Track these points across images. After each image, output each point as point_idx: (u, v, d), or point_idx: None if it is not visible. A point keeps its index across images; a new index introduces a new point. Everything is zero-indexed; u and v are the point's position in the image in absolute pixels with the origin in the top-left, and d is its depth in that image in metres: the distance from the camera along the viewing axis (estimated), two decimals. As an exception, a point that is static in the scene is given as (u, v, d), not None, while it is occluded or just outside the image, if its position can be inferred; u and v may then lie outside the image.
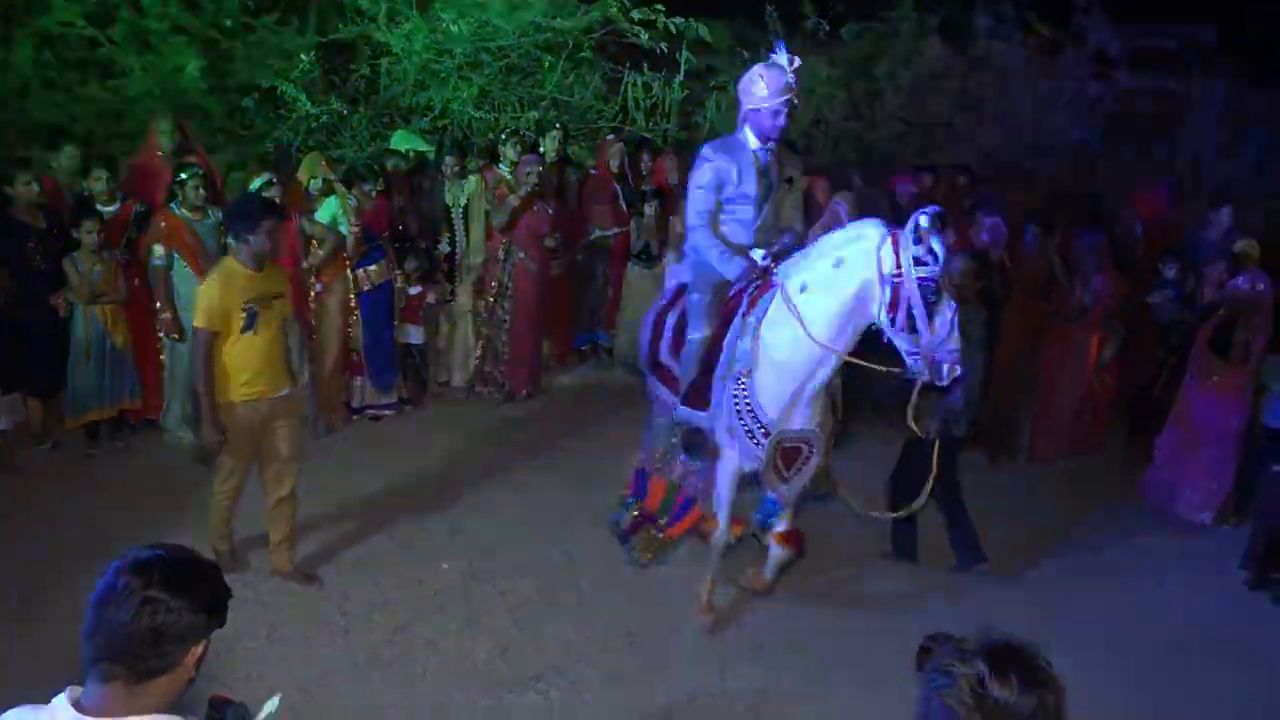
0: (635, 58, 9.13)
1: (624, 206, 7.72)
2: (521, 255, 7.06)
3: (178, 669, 1.76)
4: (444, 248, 7.26)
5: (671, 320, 4.83)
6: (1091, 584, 5.40)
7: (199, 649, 1.78)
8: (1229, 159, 9.64)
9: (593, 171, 7.83)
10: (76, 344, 5.94)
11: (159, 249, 5.96)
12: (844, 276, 4.10)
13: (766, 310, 4.30)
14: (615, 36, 8.81)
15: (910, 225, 3.95)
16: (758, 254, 4.48)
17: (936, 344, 4.01)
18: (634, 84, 9.20)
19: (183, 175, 5.99)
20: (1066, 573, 5.49)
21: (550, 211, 7.12)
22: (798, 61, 4.22)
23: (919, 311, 3.96)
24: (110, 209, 6.11)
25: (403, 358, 7.16)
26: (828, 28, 9.74)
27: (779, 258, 4.44)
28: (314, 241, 6.33)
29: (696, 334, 4.56)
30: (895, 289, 3.97)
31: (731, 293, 4.53)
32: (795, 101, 4.24)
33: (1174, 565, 5.71)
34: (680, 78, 9.26)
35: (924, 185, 7.81)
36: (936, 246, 3.95)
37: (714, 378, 4.48)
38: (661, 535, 5.03)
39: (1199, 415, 6.07)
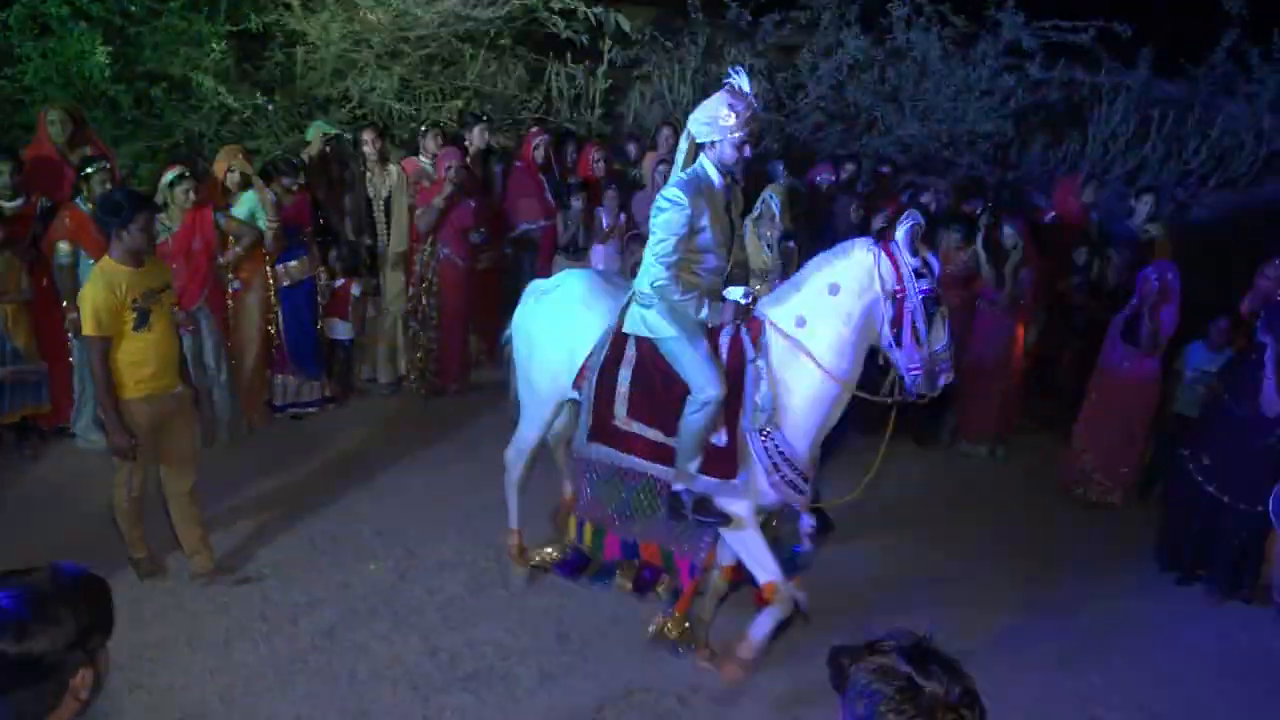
0: (559, 48, 9.06)
1: (550, 199, 7.66)
2: (446, 251, 6.96)
3: (62, 704, 1.69)
4: (367, 241, 7.13)
5: (625, 375, 4.18)
6: (1009, 564, 5.54)
7: (81, 678, 1.69)
8: (1139, 148, 9.96)
9: (517, 164, 7.75)
10: (-25, 346, 5.68)
11: (64, 246, 5.74)
12: (845, 301, 3.91)
13: (769, 349, 3.99)
14: (538, 26, 8.73)
15: (904, 237, 3.83)
16: (736, 293, 4.05)
17: (938, 354, 3.91)
18: (557, 74, 9.13)
19: (88, 170, 5.76)
20: (985, 556, 5.63)
21: (474, 205, 7.02)
22: (753, 85, 3.92)
23: (921, 324, 3.86)
24: (13, 205, 5.85)
25: (328, 354, 7.03)
26: (749, 18, 9.77)
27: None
28: (231, 237, 6.15)
29: (711, 392, 3.91)
30: (899, 305, 3.85)
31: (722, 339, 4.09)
32: (757, 130, 3.94)
33: (1087, 545, 5.91)
34: (604, 67, 9.23)
35: (844, 175, 7.93)
36: (927, 256, 3.89)
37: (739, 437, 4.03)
38: (679, 613, 4.59)
39: (1110, 401, 6.27)
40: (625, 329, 4.15)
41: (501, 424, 6.86)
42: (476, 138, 7.53)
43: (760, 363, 3.97)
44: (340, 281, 6.94)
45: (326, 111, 8.18)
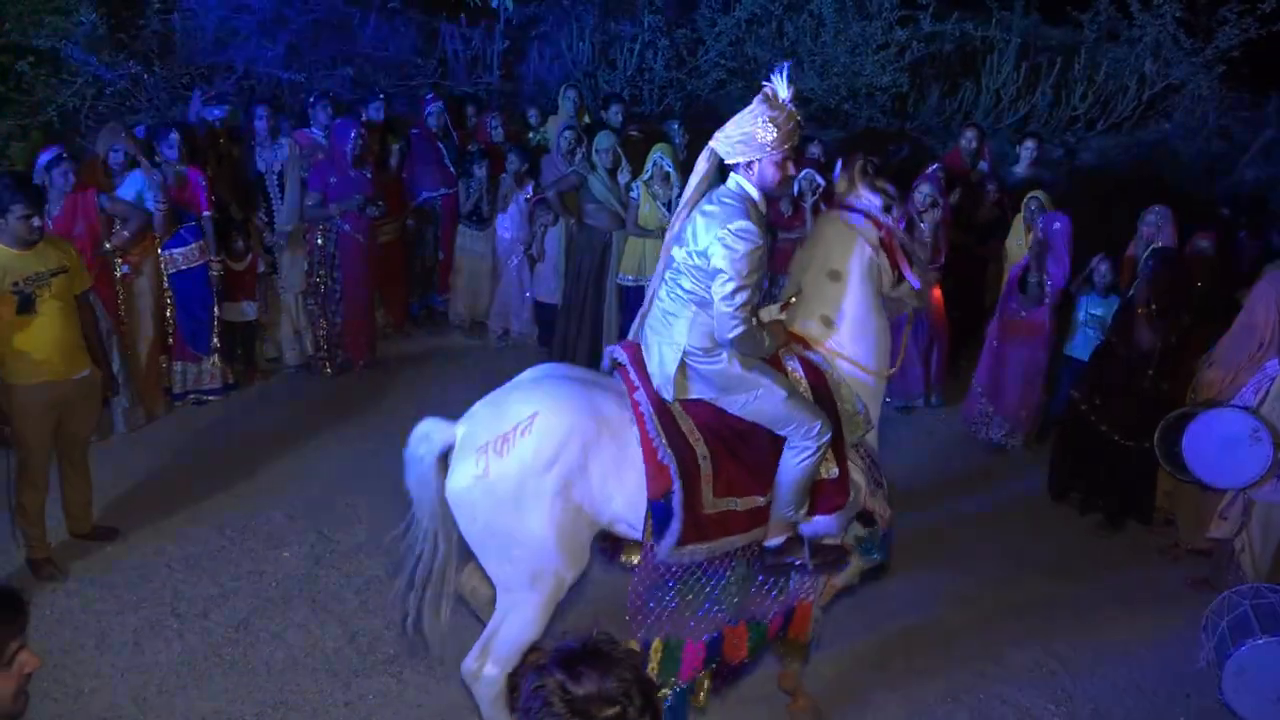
0: (452, 8, 8.86)
1: (450, 167, 7.53)
2: (345, 227, 6.78)
3: None
4: (261, 217, 6.91)
5: (701, 452, 3.46)
6: (915, 504, 5.73)
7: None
8: (1029, 96, 10.23)
9: (414, 132, 7.58)
10: None
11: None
12: (853, 282, 3.69)
13: (823, 362, 3.68)
14: (429, -14, 8.52)
15: (859, 183, 3.72)
16: (774, 310, 3.76)
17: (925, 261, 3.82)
18: (452, 36, 8.94)
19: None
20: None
21: (369, 177, 6.85)
22: (792, 90, 3.29)
23: (910, 246, 3.78)
24: None
25: (230, 336, 6.81)
26: (647, -28, 9.70)
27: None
28: (116, 221, 5.89)
29: (823, 433, 3.47)
30: (889, 248, 3.71)
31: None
32: (798, 142, 3.44)
33: (989, 485, 6.16)
34: (500, 27, 9.06)
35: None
36: (885, 186, 3.76)
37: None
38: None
39: (1007, 348, 6.50)
40: (681, 396, 3.48)
41: (410, 397, 6.84)
42: (373, 114, 7.33)
43: (836, 373, 3.68)
44: (249, 259, 6.74)
45: (210, 82, 7.86)
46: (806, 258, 3.79)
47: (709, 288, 3.33)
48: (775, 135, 3.23)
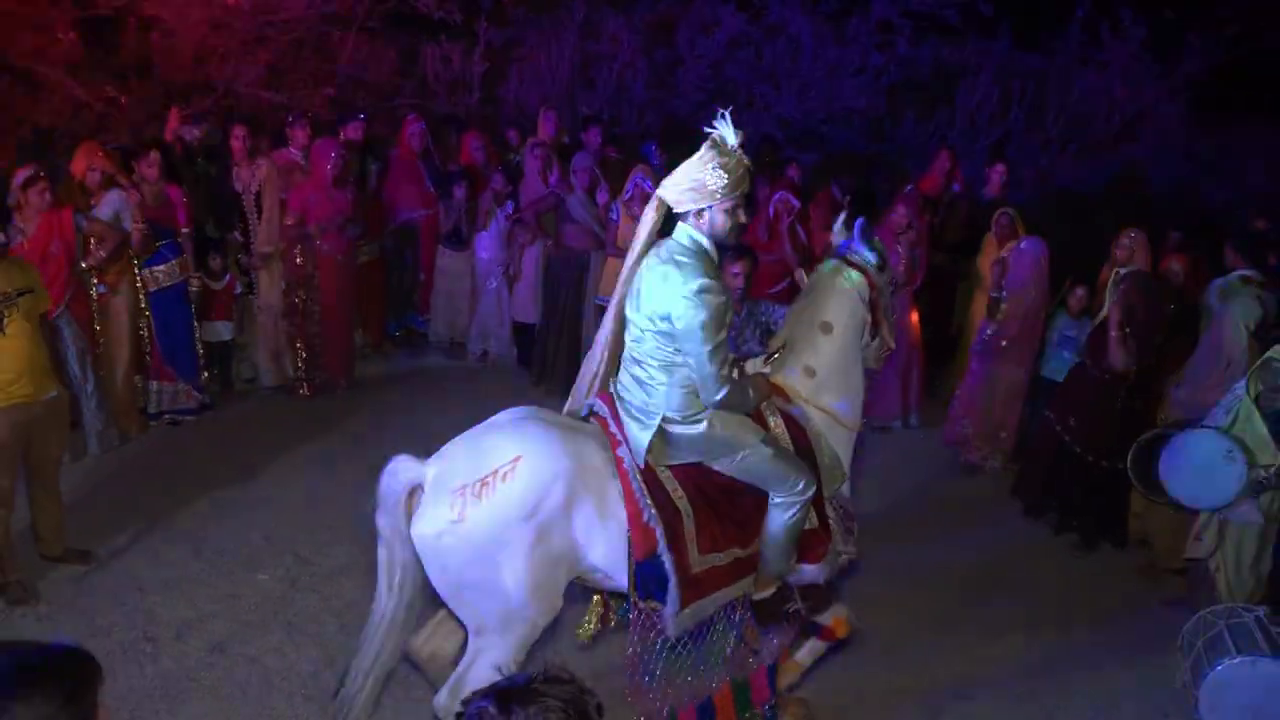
0: (432, 29, 8.89)
1: (430, 187, 7.53)
2: (325, 247, 6.76)
3: None
4: (237, 237, 6.88)
5: (685, 510, 3.41)
6: (892, 524, 5.75)
7: None
8: (1003, 119, 10.38)
9: (394, 152, 7.57)
10: None
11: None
12: (844, 336, 3.74)
13: (802, 416, 3.67)
14: (409, 6, 8.53)
15: (858, 238, 3.76)
16: (758, 363, 3.77)
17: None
18: (432, 57, 8.96)
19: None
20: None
21: (349, 197, 6.84)
22: (740, 136, 3.21)
23: (890, 307, 3.90)
24: None
25: (206, 356, 6.77)
26: (626, -8, 9.78)
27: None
28: (92, 240, 5.84)
29: (807, 487, 3.48)
30: (874, 305, 3.78)
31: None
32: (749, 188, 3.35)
33: (966, 506, 6.19)
34: (480, 48, 9.10)
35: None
36: (879, 242, 3.86)
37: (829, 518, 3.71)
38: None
39: (985, 372, 6.56)
40: (662, 463, 3.39)
41: (389, 416, 6.82)
42: (352, 133, 7.33)
43: (814, 425, 3.68)
44: (226, 278, 6.71)
45: (188, 101, 7.84)
46: (801, 307, 3.83)
47: (676, 350, 3.26)
48: (725, 182, 3.16)
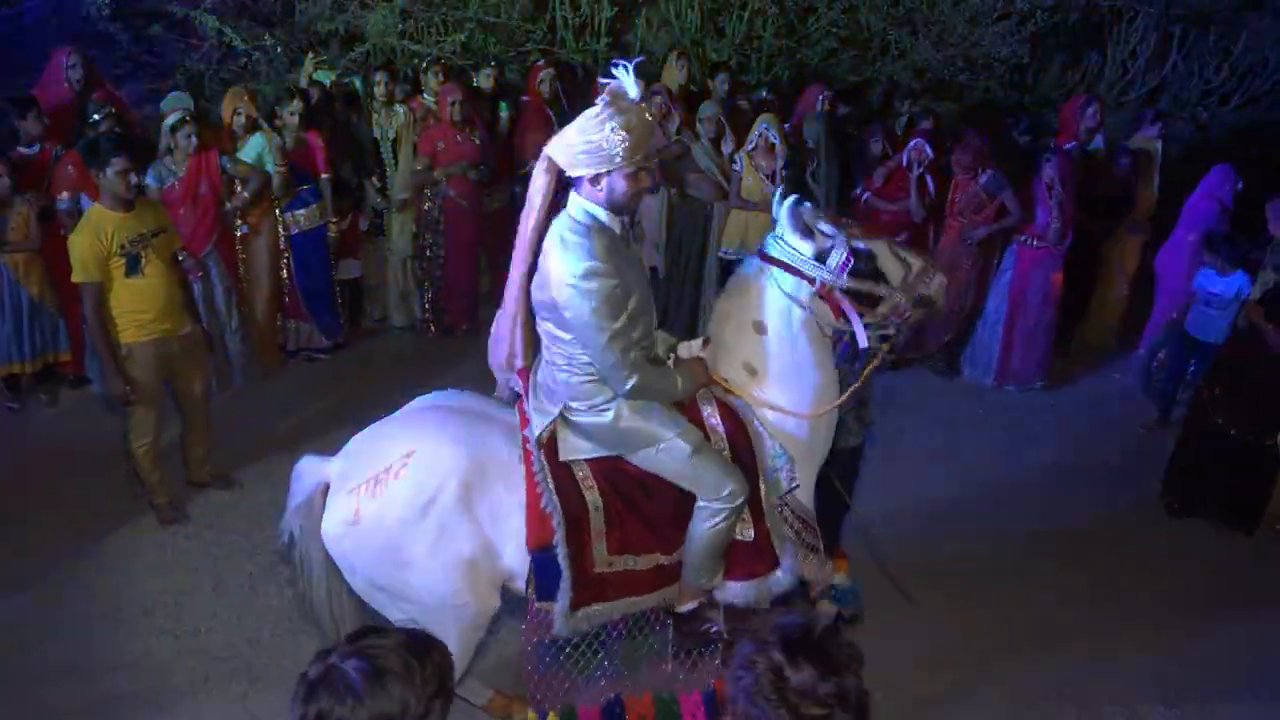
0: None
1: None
2: (450, 192, 6.89)
3: None
4: (374, 183, 7.07)
5: (594, 503, 3.12)
6: (1022, 496, 5.58)
7: None
8: (1159, 68, 9.72)
9: (524, 99, 7.61)
10: (-12, 293, 5.73)
11: (66, 194, 5.72)
12: (780, 333, 3.22)
13: (745, 409, 3.27)
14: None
15: (788, 223, 3.16)
16: (695, 346, 3.29)
17: (912, 285, 3.21)
18: (561, 3, 8.92)
19: (95, 116, 5.72)
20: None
21: (478, 143, 6.92)
22: (640, 87, 2.80)
23: (867, 288, 3.18)
24: (30, 151, 5.83)
25: (340, 295, 7.03)
26: (758, -64, 9.47)
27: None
28: (238, 181, 6.11)
29: (736, 493, 3.08)
30: (830, 300, 3.18)
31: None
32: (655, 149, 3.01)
33: (1099, 477, 5.93)
34: (608, -8, 9.00)
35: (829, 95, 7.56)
36: (818, 226, 3.19)
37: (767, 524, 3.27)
38: None
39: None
40: (568, 456, 3.11)
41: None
42: (484, 81, 7.40)
43: (757, 422, 3.23)
44: (352, 217, 6.93)
45: (328, 48, 8.05)
46: (724, 310, 3.33)
47: (573, 339, 2.94)
48: (626, 144, 2.72)
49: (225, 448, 5.45)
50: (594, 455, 3.12)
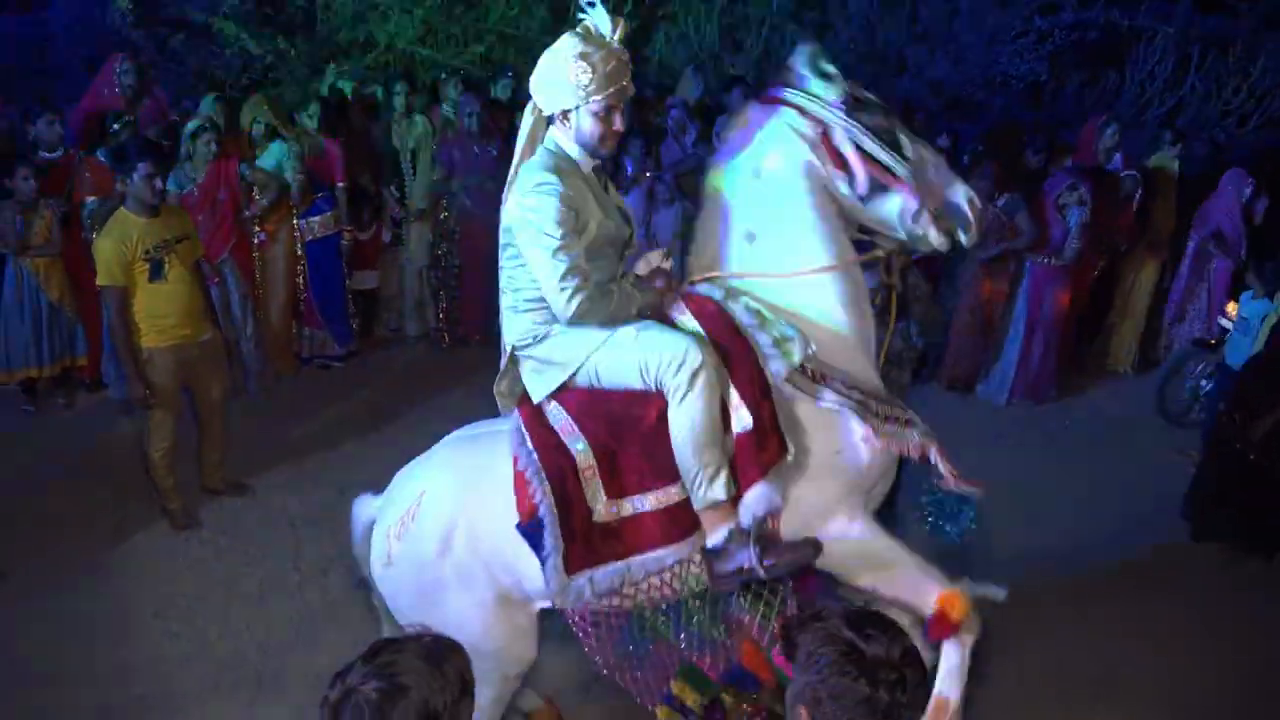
0: (580, -15, 8.89)
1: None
2: (467, 202, 6.92)
3: None
4: (393, 192, 7.11)
5: (580, 449, 2.78)
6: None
7: None
8: (1177, 88, 9.70)
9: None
10: (7, 297, 5.76)
11: (90, 200, 5.77)
12: (781, 179, 2.90)
13: (717, 293, 2.95)
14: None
15: (802, 60, 2.93)
16: (654, 257, 3.01)
17: (925, 172, 2.90)
18: (581, 15, 8.98)
19: (114, 126, 5.78)
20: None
21: (495, 154, 6.96)
22: (621, 27, 2.71)
23: (871, 145, 2.87)
24: (53, 155, 5.89)
25: (355, 304, 7.07)
26: (778, -47, 9.55)
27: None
28: (255, 189, 6.15)
29: (689, 357, 2.68)
30: (827, 143, 2.87)
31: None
32: (631, 91, 2.77)
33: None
34: (629, 7, 9.06)
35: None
36: (825, 65, 2.93)
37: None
38: None
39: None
40: (539, 397, 2.88)
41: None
42: (502, 92, 7.44)
43: (744, 301, 2.89)
44: (374, 229, 6.97)
45: (349, 57, 8.11)
46: (724, 155, 3.06)
47: (520, 265, 2.79)
48: (590, 77, 2.63)
49: (238, 453, 5.47)
50: (559, 385, 2.86)
